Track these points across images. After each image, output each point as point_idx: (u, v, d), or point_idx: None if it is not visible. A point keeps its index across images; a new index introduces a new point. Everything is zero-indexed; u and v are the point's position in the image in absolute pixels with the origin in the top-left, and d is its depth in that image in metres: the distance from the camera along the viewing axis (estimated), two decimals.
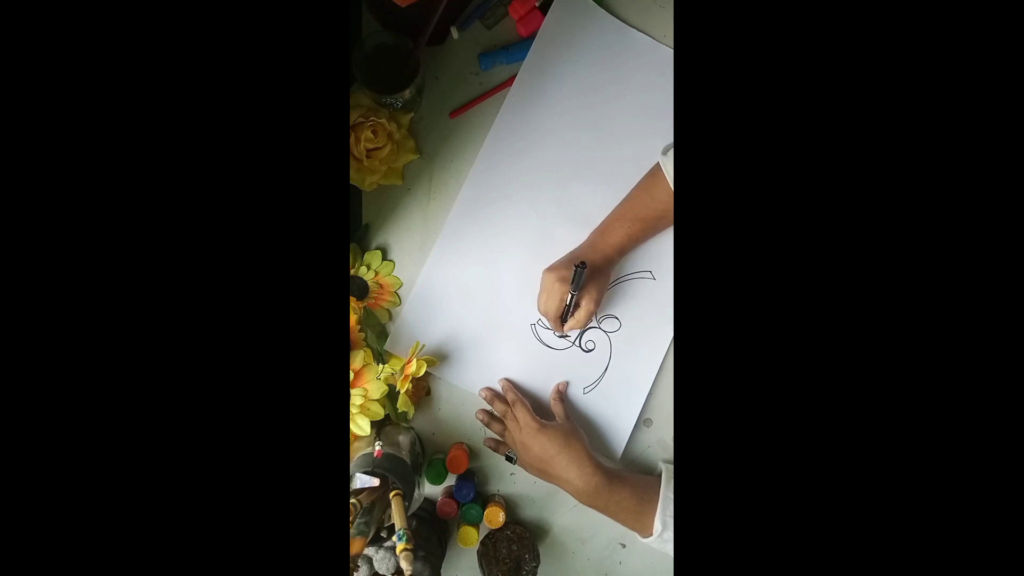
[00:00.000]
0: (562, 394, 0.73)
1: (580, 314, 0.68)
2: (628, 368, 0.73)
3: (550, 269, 0.69)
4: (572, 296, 0.66)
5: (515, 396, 0.71)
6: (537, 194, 0.72)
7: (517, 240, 0.72)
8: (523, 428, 0.69)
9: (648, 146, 0.69)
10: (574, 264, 0.63)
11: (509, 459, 0.72)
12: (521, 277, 0.72)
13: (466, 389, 0.74)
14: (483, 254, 0.72)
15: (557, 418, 0.71)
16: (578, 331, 0.73)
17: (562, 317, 0.69)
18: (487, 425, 0.73)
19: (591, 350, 0.73)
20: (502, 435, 0.72)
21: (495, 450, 0.73)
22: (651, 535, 0.65)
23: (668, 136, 0.70)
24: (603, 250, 0.68)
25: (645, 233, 0.69)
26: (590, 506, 0.67)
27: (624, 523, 0.67)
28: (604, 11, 0.70)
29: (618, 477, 0.67)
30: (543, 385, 0.74)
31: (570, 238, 0.71)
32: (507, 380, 0.73)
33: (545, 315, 0.69)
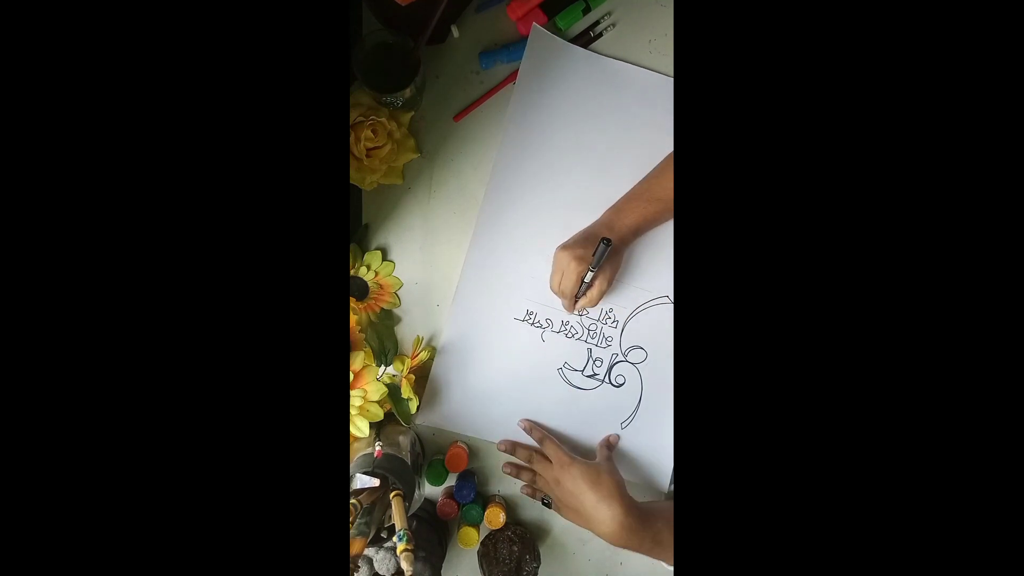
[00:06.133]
0: (612, 445, 0.72)
1: (593, 292, 0.66)
2: (662, 397, 0.73)
3: (564, 247, 0.66)
4: (591, 273, 0.63)
5: (541, 433, 0.70)
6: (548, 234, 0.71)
7: (532, 292, 0.72)
8: (553, 463, 0.67)
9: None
10: (601, 239, 0.60)
11: (546, 503, 0.70)
12: (541, 322, 0.72)
13: (492, 440, 0.73)
14: (499, 307, 0.72)
15: (598, 458, 0.69)
16: (606, 370, 0.73)
17: (576, 296, 0.67)
18: (517, 476, 0.72)
19: (621, 384, 0.73)
20: (534, 482, 0.71)
21: (532, 496, 0.72)
22: None
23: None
24: (619, 230, 0.66)
25: (660, 215, 0.67)
26: (624, 547, 0.63)
27: (658, 557, 0.63)
28: (576, 46, 0.70)
29: (651, 513, 0.64)
30: (579, 429, 0.73)
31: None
32: (528, 420, 0.72)
33: (560, 294, 0.68)
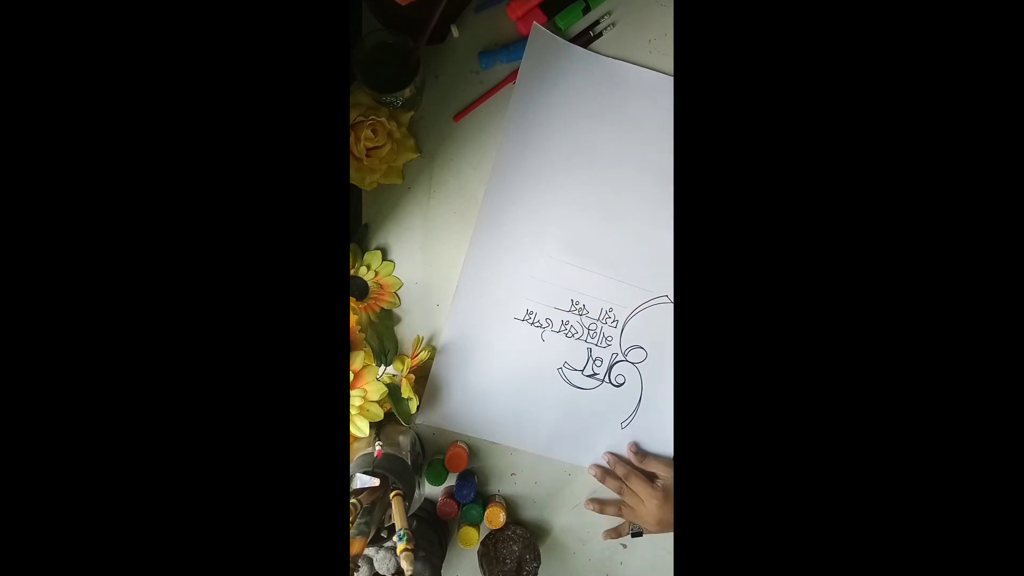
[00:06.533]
0: (639, 452, 0.73)
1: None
2: (662, 395, 0.73)
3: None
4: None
5: (626, 469, 0.72)
6: (546, 237, 0.71)
7: (531, 292, 0.72)
8: (647, 500, 0.69)
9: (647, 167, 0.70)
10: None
11: (637, 534, 0.72)
12: (541, 322, 0.72)
13: (502, 444, 0.73)
14: (499, 307, 0.72)
15: (658, 473, 0.71)
16: (606, 369, 0.73)
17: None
18: (600, 511, 0.73)
19: (621, 384, 0.73)
20: (619, 514, 0.73)
21: (616, 536, 0.74)
22: None
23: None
24: None
25: None
26: None
27: None
28: (576, 46, 0.70)
29: None
30: (579, 428, 0.73)
31: (592, 283, 0.72)
32: (612, 453, 0.73)
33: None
